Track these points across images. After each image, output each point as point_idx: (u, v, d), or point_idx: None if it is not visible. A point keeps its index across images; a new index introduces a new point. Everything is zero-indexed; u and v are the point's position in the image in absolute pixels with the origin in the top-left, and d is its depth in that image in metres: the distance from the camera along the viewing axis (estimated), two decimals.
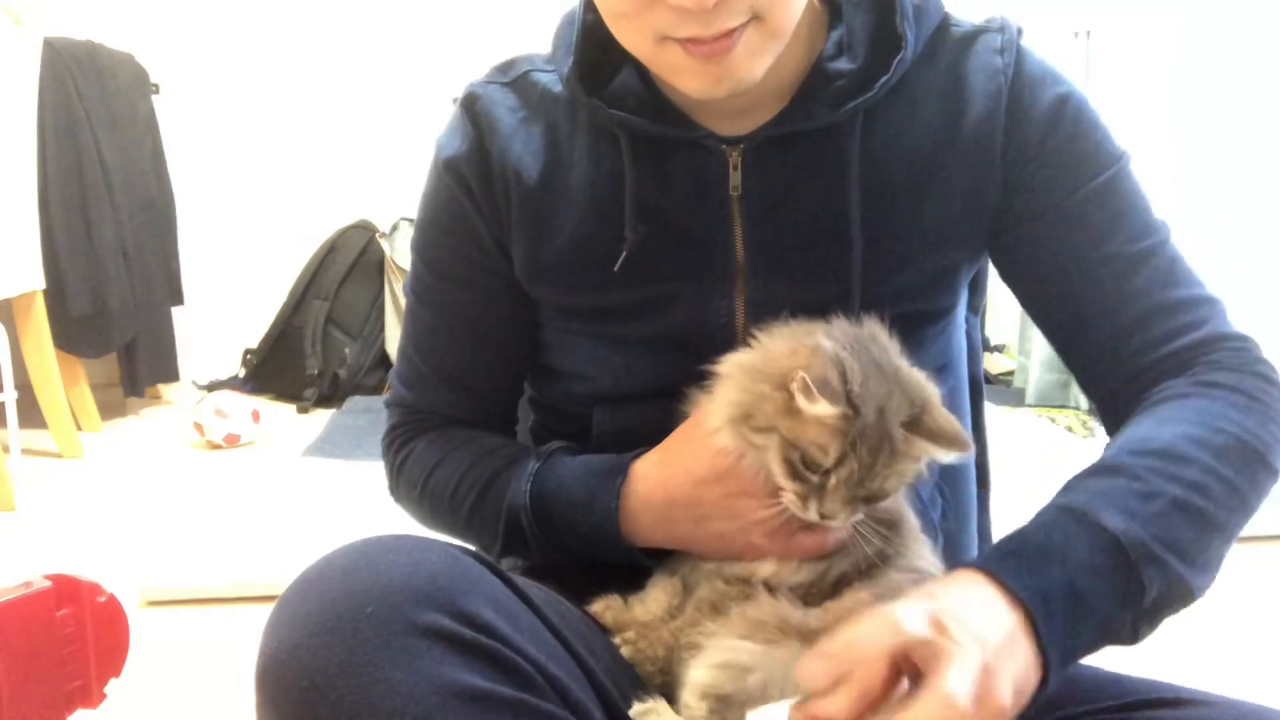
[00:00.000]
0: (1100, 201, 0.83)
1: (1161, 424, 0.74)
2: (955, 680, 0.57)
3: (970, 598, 0.63)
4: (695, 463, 0.77)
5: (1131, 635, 0.67)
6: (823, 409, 0.67)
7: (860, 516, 0.72)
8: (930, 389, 0.72)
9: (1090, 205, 0.83)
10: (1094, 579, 0.65)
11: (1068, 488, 0.71)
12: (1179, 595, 0.68)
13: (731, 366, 0.75)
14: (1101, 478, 0.71)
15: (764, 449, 0.71)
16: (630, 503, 0.80)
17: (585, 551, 0.83)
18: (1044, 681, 0.63)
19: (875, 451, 0.68)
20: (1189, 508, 0.68)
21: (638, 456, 0.82)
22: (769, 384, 0.71)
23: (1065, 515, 0.68)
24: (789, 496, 0.71)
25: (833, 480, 0.69)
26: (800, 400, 0.67)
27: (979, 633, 0.60)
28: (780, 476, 0.71)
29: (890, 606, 0.62)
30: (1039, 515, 0.70)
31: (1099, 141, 0.85)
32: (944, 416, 0.71)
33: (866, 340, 0.72)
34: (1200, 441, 0.72)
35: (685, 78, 0.77)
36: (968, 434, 0.70)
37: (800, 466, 0.70)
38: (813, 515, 0.70)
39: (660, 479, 0.80)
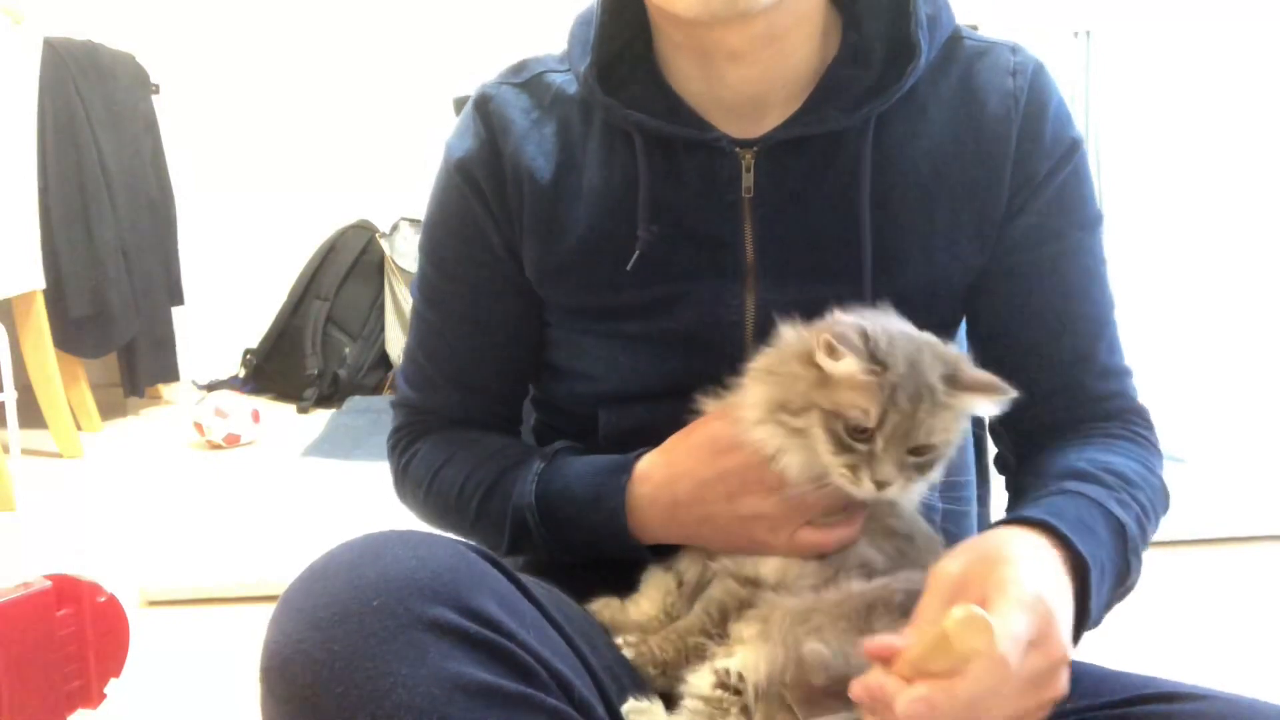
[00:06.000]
0: (1077, 256, 0.87)
1: (1113, 453, 0.82)
2: (1012, 621, 0.59)
3: (1038, 555, 0.66)
4: (699, 462, 0.78)
5: (1097, 621, 0.71)
6: (849, 364, 0.67)
7: (917, 482, 0.71)
8: (954, 348, 0.74)
9: (1068, 258, 0.86)
10: (1112, 559, 0.71)
11: (1059, 482, 0.77)
12: (1130, 589, 0.76)
13: (752, 370, 0.75)
14: (1085, 481, 0.77)
15: (807, 430, 0.70)
16: (635, 501, 0.81)
17: (592, 550, 0.84)
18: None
19: (916, 401, 0.68)
20: (1143, 525, 0.77)
21: (641, 455, 0.83)
22: (796, 362, 0.71)
23: (1078, 499, 0.74)
24: (840, 472, 0.69)
25: (879, 442, 0.68)
26: (825, 361, 0.68)
27: (1043, 584, 0.63)
28: (827, 454, 0.70)
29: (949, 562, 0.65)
30: (1050, 494, 0.75)
31: (1088, 195, 0.88)
32: (979, 369, 0.72)
33: (879, 313, 0.74)
34: (1144, 479, 0.80)
35: None
36: (1004, 382, 0.72)
37: (845, 436, 0.69)
38: (866, 487, 0.69)
39: (664, 478, 0.80)
